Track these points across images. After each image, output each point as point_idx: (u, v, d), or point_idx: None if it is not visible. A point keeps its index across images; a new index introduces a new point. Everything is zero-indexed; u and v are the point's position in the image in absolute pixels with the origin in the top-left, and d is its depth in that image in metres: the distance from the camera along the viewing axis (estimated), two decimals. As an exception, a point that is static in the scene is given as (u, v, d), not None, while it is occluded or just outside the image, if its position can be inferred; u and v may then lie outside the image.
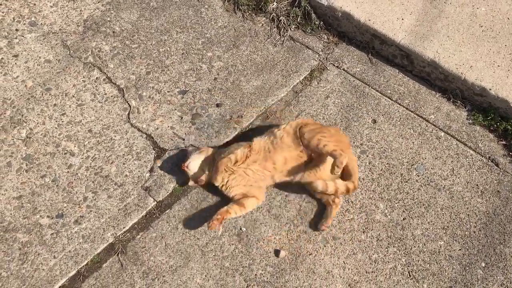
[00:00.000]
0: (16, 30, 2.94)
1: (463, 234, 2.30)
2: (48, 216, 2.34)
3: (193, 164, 2.34)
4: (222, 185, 2.32)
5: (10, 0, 3.05)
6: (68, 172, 2.47)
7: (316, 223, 2.32)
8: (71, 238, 2.29)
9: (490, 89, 2.58)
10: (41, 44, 2.91)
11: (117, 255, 2.26)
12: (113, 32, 2.99)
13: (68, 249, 2.26)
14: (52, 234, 2.30)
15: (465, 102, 2.72)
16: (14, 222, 2.32)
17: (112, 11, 3.07)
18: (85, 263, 2.23)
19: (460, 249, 2.26)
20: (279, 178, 2.34)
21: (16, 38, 2.92)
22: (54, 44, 2.91)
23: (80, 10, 3.07)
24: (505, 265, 2.21)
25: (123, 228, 2.32)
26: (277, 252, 2.26)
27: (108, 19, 3.04)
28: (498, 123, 2.60)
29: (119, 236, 2.30)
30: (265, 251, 2.27)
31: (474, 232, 2.31)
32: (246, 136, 2.58)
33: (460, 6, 2.88)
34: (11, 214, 2.34)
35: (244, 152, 2.30)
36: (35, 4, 3.06)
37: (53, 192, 2.41)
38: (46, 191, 2.41)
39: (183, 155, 2.49)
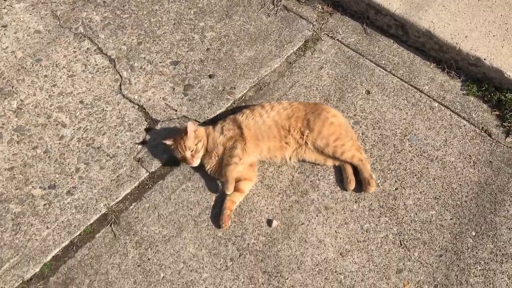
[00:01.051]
0: (4, 0, 2.88)
1: (454, 204, 2.32)
2: (40, 187, 2.34)
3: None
4: (212, 171, 2.35)
5: (-2, -32, 2.98)
6: (59, 143, 2.46)
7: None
8: (64, 209, 2.29)
9: (484, 59, 2.56)
10: (30, 14, 2.86)
11: (110, 225, 2.27)
12: (104, 2, 2.93)
13: (61, 220, 2.26)
14: (44, 204, 2.30)
15: (459, 73, 2.70)
16: (7, 193, 2.31)
17: (102, -20, 3.01)
18: (78, 233, 2.24)
19: (451, 219, 2.28)
20: (266, 159, 2.39)
21: (4, 8, 2.86)
22: (44, 14, 2.86)
23: (70, -21, 3.01)
24: (495, 233, 2.23)
25: (116, 198, 2.32)
26: (269, 222, 2.27)
27: (99, -12, 2.98)
28: (492, 94, 2.59)
29: (112, 206, 2.31)
30: (258, 221, 2.28)
31: (466, 201, 2.32)
32: (239, 108, 2.57)
33: (456, -25, 2.84)
34: (3, 185, 2.33)
35: (242, 147, 2.29)
36: (23, -27, 3.00)
37: (45, 163, 2.40)
38: (38, 162, 2.41)
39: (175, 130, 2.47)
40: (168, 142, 2.32)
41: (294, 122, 2.33)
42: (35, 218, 2.26)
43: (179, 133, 2.31)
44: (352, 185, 2.32)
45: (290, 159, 2.37)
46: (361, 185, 2.33)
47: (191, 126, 2.25)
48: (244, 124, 2.33)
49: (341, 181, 2.37)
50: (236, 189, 2.30)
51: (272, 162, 2.40)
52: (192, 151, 2.27)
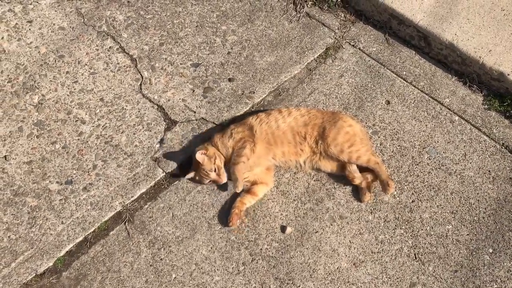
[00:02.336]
0: (31, -5, 2.93)
1: (472, 219, 2.28)
2: (57, 182, 2.36)
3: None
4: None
5: (26, -35, 3.03)
6: (78, 139, 2.48)
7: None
8: (79, 205, 2.30)
9: (508, 74, 2.52)
10: (55, 10, 2.89)
11: (124, 223, 2.27)
12: (128, 1, 2.96)
13: (76, 216, 2.27)
14: (60, 200, 2.31)
15: (481, 87, 2.67)
16: (24, 186, 2.34)
17: (127, -19, 3.04)
18: (92, 230, 2.25)
19: (468, 234, 2.24)
20: (279, 164, 2.37)
21: (30, 4, 2.90)
22: (69, 12, 2.90)
23: (96, -22, 3.04)
24: (513, 252, 2.20)
25: (131, 197, 2.33)
26: (283, 228, 2.26)
27: (123, -12, 3.01)
28: (514, 110, 2.56)
29: (127, 205, 2.32)
30: (271, 227, 2.27)
31: (483, 218, 2.29)
32: (256, 112, 2.56)
33: (482, -12, 2.81)
34: (21, 178, 2.35)
35: (251, 147, 2.29)
36: (50, -30, 3.04)
37: (63, 158, 2.42)
38: (56, 157, 2.43)
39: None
40: (190, 176, 2.31)
41: (310, 130, 2.32)
42: (51, 213, 2.27)
43: (195, 164, 2.30)
44: (367, 197, 2.30)
45: (304, 163, 2.36)
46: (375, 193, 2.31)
47: (199, 156, 2.25)
48: (257, 127, 2.33)
49: (357, 191, 2.35)
50: (250, 191, 2.29)
51: (287, 168, 2.39)
52: (215, 171, 2.27)
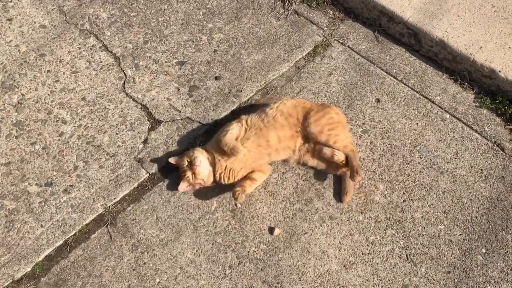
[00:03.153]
0: (11, -7, 2.84)
1: (464, 219, 2.23)
2: (36, 184, 2.27)
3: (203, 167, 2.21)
4: (224, 175, 2.23)
5: (6, -38, 2.95)
6: (59, 140, 2.40)
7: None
8: (60, 207, 2.22)
9: (499, 71, 2.48)
10: (36, 8, 2.81)
11: (107, 226, 2.19)
12: (112, -1, 2.88)
13: (56, 218, 2.19)
14: (40, 202, 2.23)
15: (472, 84, 2.62)
16: (1, 188, 2.25)
17: (111, -22, 2.97)
18: (73, 233, 2.17)
19: (460, 234, 2.19)
20: (275, 157, 2.27)
21: (11, 1, 2.82)
22: (50, 9, 2.82)
23: (78, -25, 2.96)
24: (506, 252, 2.14)
25: (114, 199, 2.25)
26: (271, 230, 2.19)
27: (107, -15, 2.94)
28: (506, 107, 2.51)
29: (109, 207, 2.23)
30: (259, 228, 2.20)
31: (476, 217, 2.23)
32: (245, 111, 2.49)
33: (472, -15, 2.77)
34: (-2, 180, 2.27)
35: (239, 125, 2.23)
36: (31, -33, 2.96)
37: (43, 159, 2.34)
38: (36, 158, 2.34)
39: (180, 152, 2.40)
40: (182, 187, 2.23)
41: (300, 111, 2.28)
42: (30, 216, 2.19)
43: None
44: (349, 197, 2.24)
45: (299, 151, 2.28)
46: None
47: (170, 160, 2.24)
48: (247, 119, 2.29)
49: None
50: (247, 178, 2.22)
51: (281, 158, 2.32)
52: (188, 163, 2.20)
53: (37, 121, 2.44)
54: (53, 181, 2.28)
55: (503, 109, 2.52)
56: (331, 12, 2.90)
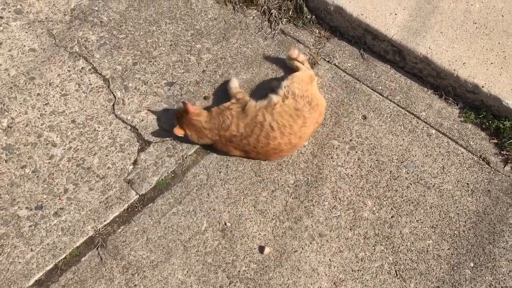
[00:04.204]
0: (1, 17, 2.87)
1: (452, 233, 2.25)
2: (27, 208, 2.28)
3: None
4: None
5: (-4, -13, 2.98)
6: (49, 163, 2.41)
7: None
8: (50, 231, 2.22)
9: (482, 87, 2.53)
10: (26, 32, 2.84)
11: (97, 248, 2.19)
12: (101, 22, 2.92)
13: (46, 242, 2.19)
14: (30, 226, 2.23)
15: (457, 100, 2.67)
16: (-9, 213, 2.25)
17: (100, 1, 3.00)
18: (63, 256, 2.17)
19: (448, 249, 2.21)
20: None
21: (0, 25, 2.84)
22: (40, 33, 2.84)
23: (67, -1, 3.00)
24: (494, 265, 2.16)
25: (104, 221, 2.26)
26: (261, 249, 2.20)
27: (96, 8, 2.97)
28: (490, 121, 2.56)
29: (99, 229, 2.24)
30: (249, 247, 2.21)
31: (464, 231, 2.26)
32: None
33: (454, 2, 2.83)
34: (-12, 205, 2.27)
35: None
36: (21, -8, 2.99)
37: (33, 183, 2.35)
38: (26, 182, 2.35)
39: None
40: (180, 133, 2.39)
41: None
42: (19, 240, 2.19)
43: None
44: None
45: None
46: None
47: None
48: None
49: (335, 207, 2.31)
50: None
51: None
52: None
53: (27, 144, 2.45)
54: (43, 205, 2.29)
55: (487, 123, 2.57)
56: (317, 31, 2.95)
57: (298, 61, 2.61)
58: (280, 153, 2.36)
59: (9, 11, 2.90)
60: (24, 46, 2.78)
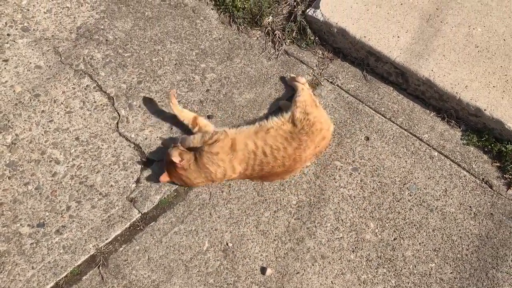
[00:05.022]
0: (8, 35, 2.90)
1: (455, 257, 2.24)
2: (29, 225, 2.27)
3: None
4: None
5: (4, 5, 3.02)
6: (52, 180, 2.41)
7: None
8: (51, 249, 2.21)
9: (485, 110, 2.54)
10: (32, 49, 2.87)
11: (98, 267, 2.19)
12: (106, 40, 2.95)
13: (48, 260, 2.18)
14: (32, 243, 2.22)
15: (459, 122, 2.68)
16: (-7, 230, 2.25)
17: (106, 19, 3.04)
18: (64, 274, 2.16)
19: (451, 272, 2.20)
20: None
21: (7, 43, 2.87)
22: (46, 50, 2.87)
23: (74, 17, 3.03)
24: (497, 290, 2.15)
25: (106, 239, 2.25)
26: (263, 270, 2.19)
27: (102, 27, 3.01)
28: (492, 144, 2.56)
29: (101, 248, 2.23)
30: (251, 268, 2.20)
31: (466, 255, 2.25)
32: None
33: (456, 26, 2.87)
34: (-10, 221, 2.27)
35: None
36: (28, 10, 3.03)
37: (35, 200, 2.35)
38: (29, 199, 2.35)
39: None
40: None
41: None
42: (21, 258, 2.18)
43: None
44: None
45: None
46: None
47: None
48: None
49: (337, 229, 2.30)
50: None
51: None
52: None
53: (31, 161, 2.46)
54: (45, 222, 2.28)
55: (489, 146, 2.58)
56: (320, 52, 2.98)
57: (301, 83, 2.64)
58: (276, 176, 2.37)
59: (16, 29, 2.93)
60: (30, 63, 2.81)
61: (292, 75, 2.73)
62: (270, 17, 3.06)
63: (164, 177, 2.32)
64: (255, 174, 2.31)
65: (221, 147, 2.28)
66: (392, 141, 2.61)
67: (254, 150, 2.27)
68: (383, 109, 2.73)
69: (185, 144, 2.35)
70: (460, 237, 2.30)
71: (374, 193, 2.43)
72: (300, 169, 2.44)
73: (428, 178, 2.48)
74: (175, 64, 2.88)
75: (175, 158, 2.25)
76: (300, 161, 2.35)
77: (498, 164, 2.54)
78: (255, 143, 2.28)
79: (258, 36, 3.05)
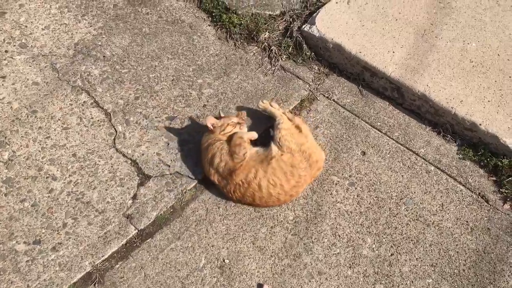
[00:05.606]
0: (6, 51, 2.92)
1: (452, 272, 2.24)
2: (24, 242, 2.27)
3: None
4: None
5: (2, 21, 3.04)
6: (48, 197, 2.41)
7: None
8: (47, 266, 2.20)
9: (480, 124, 2.56)
10: (30, 66, 2.88)
11: (94, 285, 2.17)
12: (104, 56, 2.97)
13: (43, 278, 2.17)
14: (27, 261, 2.21)
15: (455, 137, 2.69)
16: (-11, 247, 2.24)
17: (103, 36, 3.06)
18: (60, 292, 2.15)
19: (449, 288, 2.19)
20: None
21: (5, 59, 2.89)
22: (43, 67, 2.89)
23: (72, 34, 3.06)
24: (495, 305, 2.15)
25: (102, 256, 2.24)
26: (260, 286, 2.18)
27: (99, 43, 3.03)
28: (488, 159, 2.57)
29: (97, 265, 2.22)
30: (248, 285, 2.19)
31: (464, 270, 2.25)
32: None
33: (451, 41, 2.89)
34: (-14, 239, 2.26)
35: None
36: (26, 27, 3.05)
37: (32, 217, 2.34)
38: (25, 216, 2.34)
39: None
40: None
41: None
42: (16, 276, 2.17)
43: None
44: None
45: None
46: None
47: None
48: None
49: (334, 244, 2.30)
50: None
51: None
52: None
53: (27, 177, 2.46)
54: (41, 239, 2.28)
55: (485, 160, 2.58)
56: (316, 68, 3.00)
57: (273, 108, 2.56)
58: (268, 206, 2.39)
59: (14, 45, 2.95)
60: (28, 79, 2.82)
61: (264, 102, 2.59)
62: (267, 33, 3.08)
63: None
64: (245, 200, 2.33)
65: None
66: (389, 155, 2.61)
67: (251, 180, 2.28)
68: (379, 123, 2.74)
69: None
70: (457, 252, 2.30)
71: (371, 208, 2.43)
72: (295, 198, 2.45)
73: (425, 193, 2.48)
74: (172, 80, 2.89)
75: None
76: (296, 195, 2.38)
77: (494, 179, 2.54)
78: (255, 173, 2.28)
79: (254, 51, 3.07)
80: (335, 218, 2.39)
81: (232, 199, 2.37)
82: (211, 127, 2.41)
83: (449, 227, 2.37)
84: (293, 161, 2.29)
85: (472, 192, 2.49)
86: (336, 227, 2.36)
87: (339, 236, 2.34)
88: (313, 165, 2.33)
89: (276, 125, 2.43)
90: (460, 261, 2.27)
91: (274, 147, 2.35)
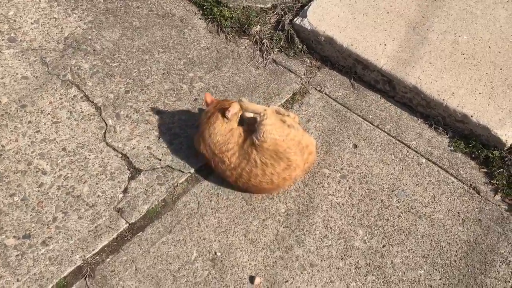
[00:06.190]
0: (-6, 46, 2.89)
1: (443, 263, 2.24)
2: (14, 237, 2.24)
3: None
4: None
5: (-10, 15, 3.01)
6: (38, 191, 2.39)
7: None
8: (37, 260, 2.18)
9: (471, 116, 2.56)
10: (19, 60, 2.86)
11: (85, 278, 2.16)
12: (94, 50, 2.95)
13: (33, 272, 2.15)
14: (17, 255, 2.19)
15: (446, 129, 2.70)
16: (-22, 242, 2.22)
17: (94, 30, 3.04)
18: (50, 286, 2.12)
19: (440, 279, 2.19)
20: None
21: (-7, 53, 2.86)
22: (33, 61, 2.86)
23: (62, 28, 3.03)
24: (486, 296, 2.15)
25: (93, 250, 2.23)
26: (252, 279, 2.18)
27: (90, 37, 3.00)
28: (479, 151, 2.58)
29: (87, 258, 2.21)
30: (240, 278, 2.18)
31: (455, 261, 2.25)
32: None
33: (442, 33, 2.89)
34: (-25, 233, 2.24)
35: None
36: (15, 21, 3.02)
37: (21, 211, 2.32)
38: (14, 210, 2.32)
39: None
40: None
41: None
42: (6, 270, 2.15)
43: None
44: None
45: None
46: None
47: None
48: None
49: (326, 236, 2.30)
50: None
51: None
52: None
53: (17, 172, 2.44)
54: (31, 233, 2.26)
55: (476, 152, 2.59)
56: (308, 61, 2.99)
57: (251, 104, 2.44)
58: (263, 191, 2.38)
59: (3, 39, 2.92)
60: (17, 73, 2.79)
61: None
62: (258, 26, 3.07)
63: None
64: (242, 180, 2.29)
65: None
66: (380, 148, 2.61)
67: (249, 153, 2.26)
68: (370, 116, 2.74)
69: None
70: (449, 243, 2.30)
71: (363, 200, 2.42)
72: (290, 185, 2.43)
73: (416, 185, 2.48)
74: (163, 73, 2.88)
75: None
76: (290, 180, 2.35)
77: (485, 170, 2.55)
78: (249, 147, 2.28)
79: (246, 45, 3.06)
80: (327, 210, 2.39)
81: (230, 178, 2.34)
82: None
83: (440, 219, 2.37)
84: (277, 148, 2.24)
85: (463, 183, 2.50)
86: (328, 219, 2.36)
87: (331, 228, 2.33)
88: (304, 150, 2.31)
89: (259, 122, 2.29)
90: (452, 252, 2.27)
91: (254, 139, 2.27)
